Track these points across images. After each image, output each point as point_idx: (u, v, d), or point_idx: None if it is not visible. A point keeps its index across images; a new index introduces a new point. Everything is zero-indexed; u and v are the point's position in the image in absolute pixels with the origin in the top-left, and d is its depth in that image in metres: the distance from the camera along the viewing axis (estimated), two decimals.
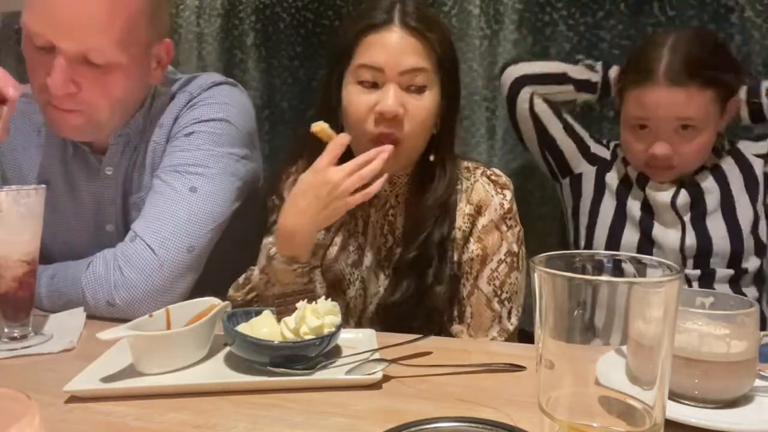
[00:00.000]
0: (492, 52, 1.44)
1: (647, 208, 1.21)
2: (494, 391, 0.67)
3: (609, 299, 0.43)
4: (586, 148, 1.30)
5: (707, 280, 1.18)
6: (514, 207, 1.02)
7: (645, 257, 0.48)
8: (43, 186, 0.88)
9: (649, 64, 1.12)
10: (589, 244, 1.26)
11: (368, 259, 1.03)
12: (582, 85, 1.30)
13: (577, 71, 1.31)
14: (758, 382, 0.62)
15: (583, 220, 1.28)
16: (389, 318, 0.98)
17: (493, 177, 1.04)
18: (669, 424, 0.51)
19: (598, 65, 1.31)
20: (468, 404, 0.63)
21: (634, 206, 1.22)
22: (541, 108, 1.30)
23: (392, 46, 0.92)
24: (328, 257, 1.03)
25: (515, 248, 1.00)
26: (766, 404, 0.61)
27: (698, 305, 0.66)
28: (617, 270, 0.50)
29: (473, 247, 0.99)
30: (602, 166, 1.28)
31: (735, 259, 1.17)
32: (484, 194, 1.01)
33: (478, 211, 1.00)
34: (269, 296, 0.94)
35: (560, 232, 1.44)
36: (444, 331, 1.00)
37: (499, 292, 0.98)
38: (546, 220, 1.46)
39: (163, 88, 1.11)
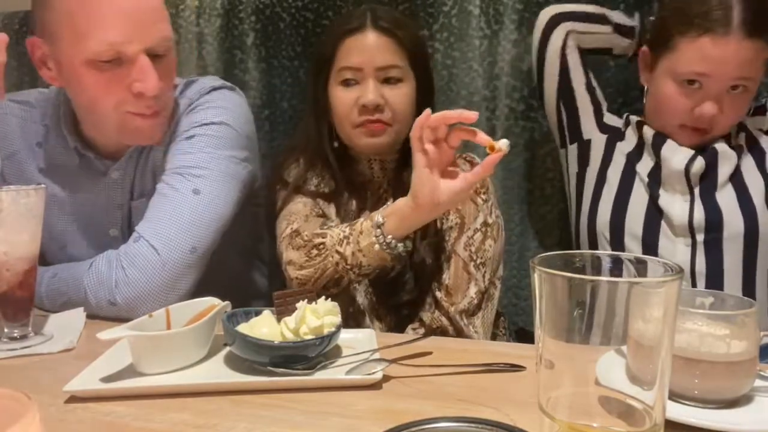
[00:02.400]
0: (492, 52, 1.44)
1: (657, 174, 1.14)
2: (494, 391, 0.67)
3: (609, 299, 0.42)
4: (602, 116, 1.25)
5: (716, 275, 1.11)
6: (488, 183, 1.11)
7: (645, 257, 0.48)
8: (43, 186, 0.88)
9: (717, 10, 1.02)
10: (593, 214, 1.19)
11: None
12: (620, 28, 1.24)
13: (615, 15, 1.26)
14: (758, 382, 0.62)
15: (588, 187, 1.22)
16: (381, 288, 1.07)
17: (468, 158, 1.15)
18: (669, 424, 0.51)
19: (636, 15, 1.25)
20: (468, 404, 0.63)
21: (643, 171, 1.16)
22: (573, 53, 1.24)
23: (367, 47, 1.04)
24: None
25: (490, 220, 1.09)
26: (766, 404, 0.61)
27: (698, 305, 0.66)
28: (617, 270, 0.50)
29: (452, 216, 1.07)
30: (613, 135, 1.23)
31: (749, 240, 1.09)
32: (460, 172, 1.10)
33: None
34: (334, 256, 0.96)
35: (560, 232, 1.44)
36: (427, 299, 1.06)
37: (474, 257, 1.06)
38: (546, 220, 1.46)
39: None
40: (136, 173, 1.10)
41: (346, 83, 1.06)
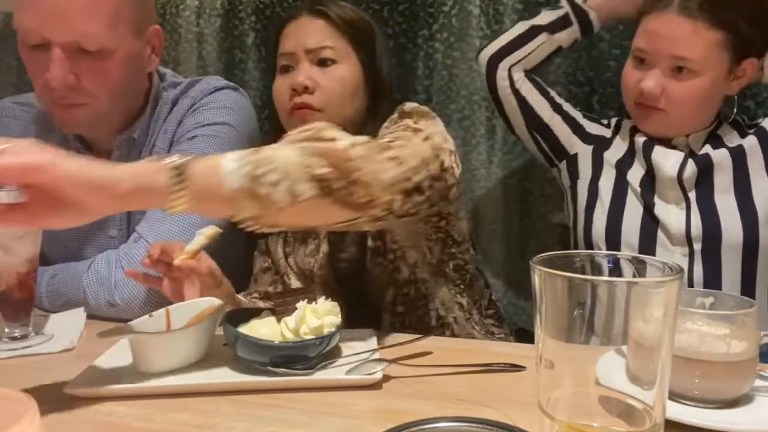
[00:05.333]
0: None
1: (649, 182, 1.13)
2: (494, 391, 0.67)
3: (609, 299, 0.42)
4: (581, 128, 1.24)
5: (714, 285, 1.08)
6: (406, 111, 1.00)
7: (645, 257, 0.48)
8: None
9: None
10: (588, 226, 1.17)
11: (325, 246, 1.07)
12: (554, 25, 1.23)
13: (542, 17, 1.25)
14: (758, 382, 0.62)
15: (581, 200, 1.20)
16: (346, 288, 1.03)
17: None
18: (669, 424, 0.51)
19: (562, 1, 1.25)
20: (468, 404, 0.63)
21: (634, 179, 1.15)
22: (524, 86, 1.24)
23: (299, 31, 1.03)
24: (293, 249, 1.10)
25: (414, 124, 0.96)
26: (766, 404, 0.61)
27: (698, 305, 0.66)
28: (617, 270, 0.50)
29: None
30: (600, 144, 1.21)
31: (749, 251, 1.07)
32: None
33: None
34: None
35: (560, 232, 1.44)
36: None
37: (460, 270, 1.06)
38: (546, 220, 1.46)
39: (165, 92, 1.11)
40: None
41: (283, 70, 1.04)
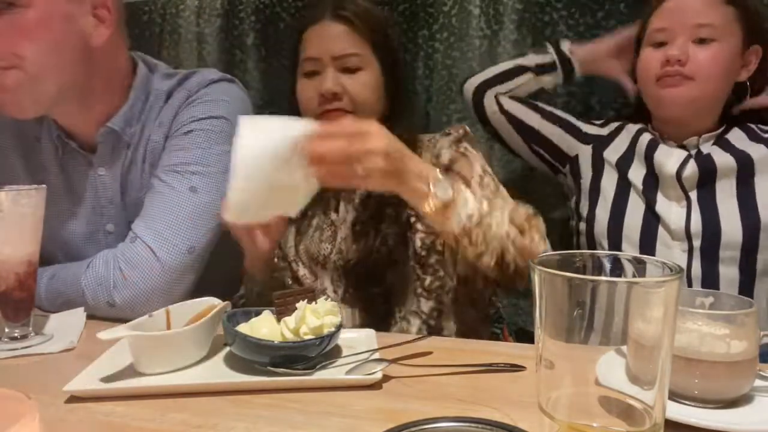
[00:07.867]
0: (492, 52, 1.44)
1: (650, 181, 1.15)
2: (494, 391, 0.67)
3: (609, 299, 0.42)
4: (576, 129, 1.27)
5: (711, 282, 1.09)
6: (460, 134, 1.09)
7: (645, 257, 0.48)
8: (44, 186, 0.88)
9: None
10: (591, 224, 1.19)
11: (342, 232, 1.09)
12: (539, 69, 1.29)
13: (529, 59, 1.30)
14: (758, 382, 0.62)
15: (584, 198, 1.23)
16: (362, 278, 1.05)
17: (447, 130, 1.12)
18: (669, 424, 0.51)
19: (548, 47, 1.30)
20: (468, 404, 0.63)
21: (636, 178, 1.17)
22: (511, 105, 1.28)
23: (325, 37, 1.06)
24: (305, 237, 1.11)
25: (488, 168, 1.07)
26: (766, 404, 0.61)
27: (698, 305, 0.66)
28: (617, 270, 0.50)
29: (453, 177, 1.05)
30: (598, 143, 1.24)
31: (747, 250, 1.08)
32: (442, 140, 1.10)
33: (438, 155, 1.08)
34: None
35: (560, 232, 1.44)
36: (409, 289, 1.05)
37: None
38: (546, 220, 1.46)
39: (158, 84, 1.10)
40: (130, 169, 1.08)
41: (309, 74, 1.06)
